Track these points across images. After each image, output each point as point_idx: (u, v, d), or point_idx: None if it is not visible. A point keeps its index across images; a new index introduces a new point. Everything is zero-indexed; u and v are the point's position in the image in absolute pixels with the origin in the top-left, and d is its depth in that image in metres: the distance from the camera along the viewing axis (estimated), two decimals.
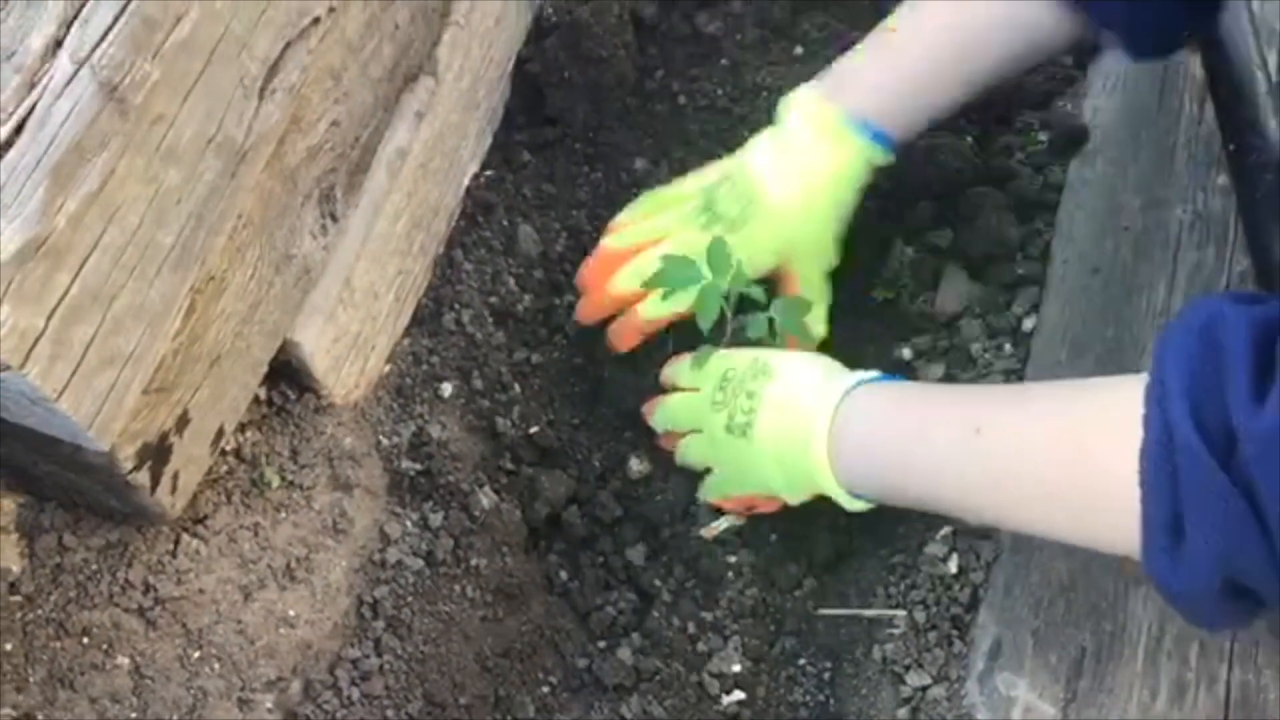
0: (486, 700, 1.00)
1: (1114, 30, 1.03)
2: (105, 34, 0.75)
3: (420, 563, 1.01)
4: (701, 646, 1.05)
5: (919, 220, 1.19)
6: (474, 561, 1.03)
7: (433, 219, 1.15)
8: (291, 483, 0.99)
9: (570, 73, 1.24)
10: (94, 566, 0.91)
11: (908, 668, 0.98)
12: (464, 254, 1.18)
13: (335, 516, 0.99)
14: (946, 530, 1.02)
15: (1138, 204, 1.13)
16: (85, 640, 0.89)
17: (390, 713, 0.95)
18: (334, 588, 0.97)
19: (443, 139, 1.14)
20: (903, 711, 0.96)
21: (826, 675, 1.03)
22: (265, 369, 0.98)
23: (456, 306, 1.14)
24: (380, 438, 1.05)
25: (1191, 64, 1.17)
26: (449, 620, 1.00)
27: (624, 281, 1.11)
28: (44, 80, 0.74)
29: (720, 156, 1.26)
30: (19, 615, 0.88)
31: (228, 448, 0.97)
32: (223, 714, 0.90)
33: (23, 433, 0.82)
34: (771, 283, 1.10)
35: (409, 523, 1.03)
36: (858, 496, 0.97)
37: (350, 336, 1.05)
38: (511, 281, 1.18)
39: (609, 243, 1.14)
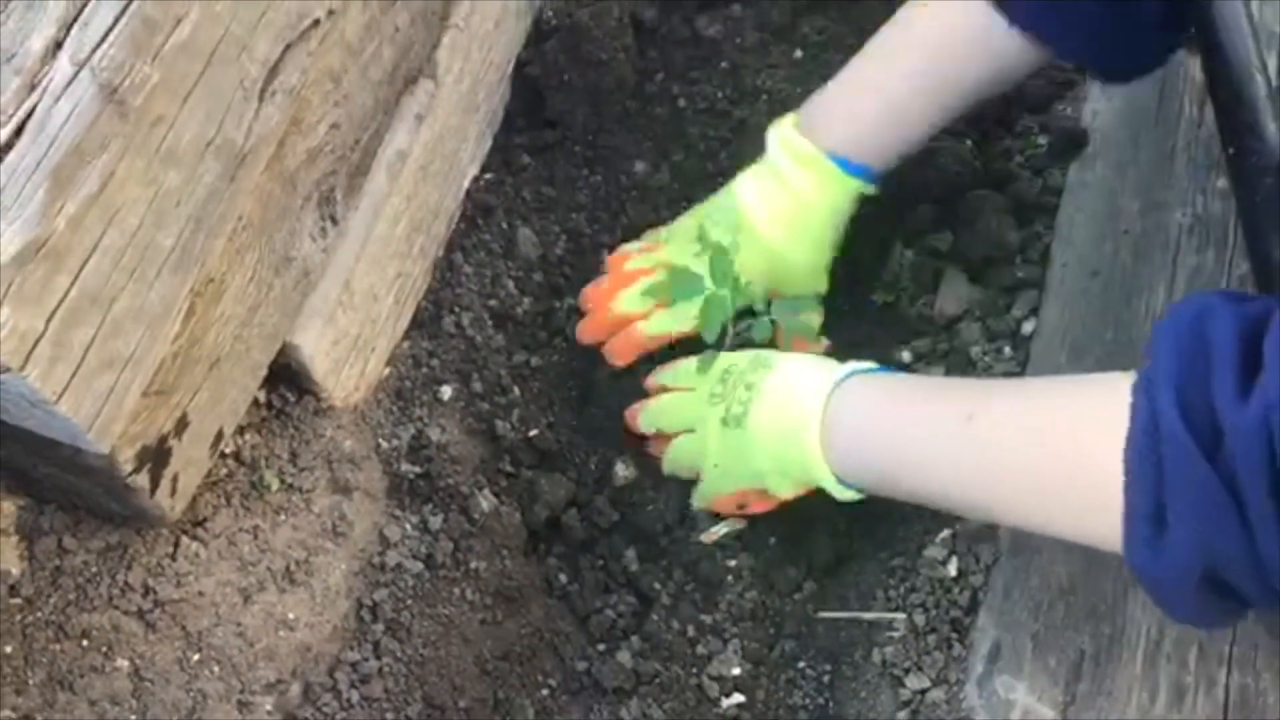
0: (486, 703, 1.00)
1: (1078, 61, 1.04)
2: (105, 36, 0.75)
3: (420, 565, 1.01)
4: (701, 649, 1.06)
5: (919, 223, 1.20)
6: (473, 564, 1.03)
7: (432, 222, 1.15)
8: (291, 485, 0.99)
9: (570, 76, 1.24)
10: (94, 569, 0.91)
11: (907, 671, 0.98)
12: (464, 257, 1.18)
13: (335, 519, 0.99)
14: (946, 533, 1.02)
15: (1137, 207, 1.13)
16: (85, 643, 0.89)
17: (389, 715, 0.95)
18: (333, 590, 0.97)
19: (442, 142, 1.14)
20: (902, 714, 0.96)
21: (826, 678, 1.03)
22: (265, 372, 0.98)
23: (456, 309, 1.14)
24: (380, 440, 1.05)
25: (1191, 67, 1.17)
26: (448, 623, 1.00)
27: (627, 303, 1.14)
28: (44, 82, 0.74)
29: (720, 159, 1.26)
30: (19, 617, 0.88)
31: (227, 450, 0.97)
32: (222, 716, 0.90)
33: (22, 435, 0.82)
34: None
35: (408, 525, 1.03)
36: (850, 486, 0.97)
37: (350, 339, 1.05)
38: (511, 284, 1.18)
39: (612, 267, 1.17)
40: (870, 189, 1.09)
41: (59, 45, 0.75)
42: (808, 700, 1.03)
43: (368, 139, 1.05)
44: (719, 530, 1.09)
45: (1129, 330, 1.07)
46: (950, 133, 1.21)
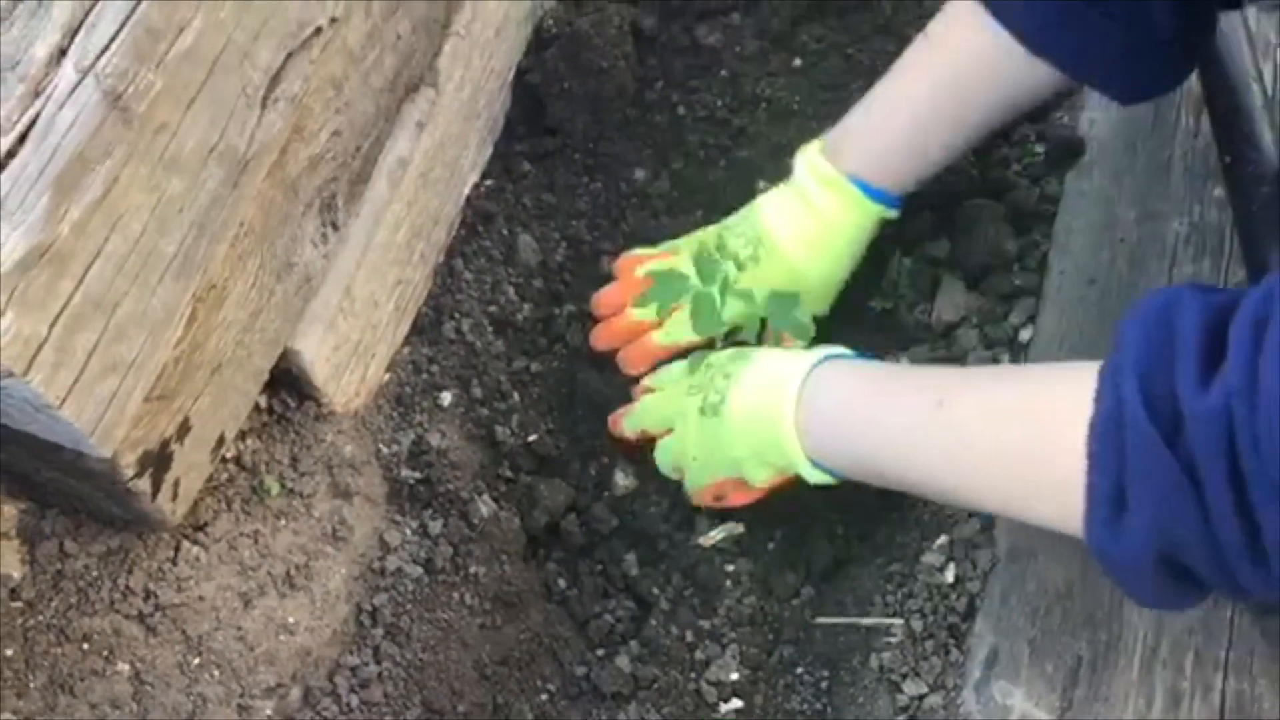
0: (485, 708, 1.00)
1: (1095, 85, 1.05)
2: (109, 43, 0.76)
3: (419, 570, 1.02)
4: (699, 654, 1.06)
5: (917, 231, 1.20)
6: (473, 569, 1.03)
7: (433, 228, 1.15)
8: (291, 490, 0.99)
9: (570, 83, 1.24)
10: (95, 573, 0.91)
11: (905, 676, 0.98)
12: (464, 263, 1.18)
13: (335, 524, 1.00)
14: (944, 539, 1.02)
15: (1134, 216, 1.13)
16: (86, 646, 0.89)
17: None
18: (333, 595, 0.98)
19: (443, 149, 1.15)
20: None
21: (824, 684, 1.03)
22: (266, 377, 0.99)
23: (456, 315, 1.15)
24: (380, 446, 1.06)
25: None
26: (448, 628, 1.01)
27: (641, 310, 1.14)
28: (48, 89, 0.74)
29: (719, 167, 1.27)
30: (20, 621, 0.89)
31: (228, 455, 0.98)
32: None
33: (25, 439, 0.83)
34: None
35: (408, 530, 1.03)
36: (824, 470, 0.97)
37: (350, 345, 1.05)
38: (511, 291, 1.19)
39: (623, 273, 1.18)
40: (892, 213, 1.11)
41: (63, 52, 0.75)
42: (806, 705, 1.03)
43: (369, 146, 1.05)
44: (717, 534, 1.09)
45: None
46: None
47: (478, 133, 1.21)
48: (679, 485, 1.10)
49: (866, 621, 1.02)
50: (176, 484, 0.91)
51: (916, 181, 1.11)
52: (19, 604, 0.89)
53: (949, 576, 1.01)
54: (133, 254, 0.79)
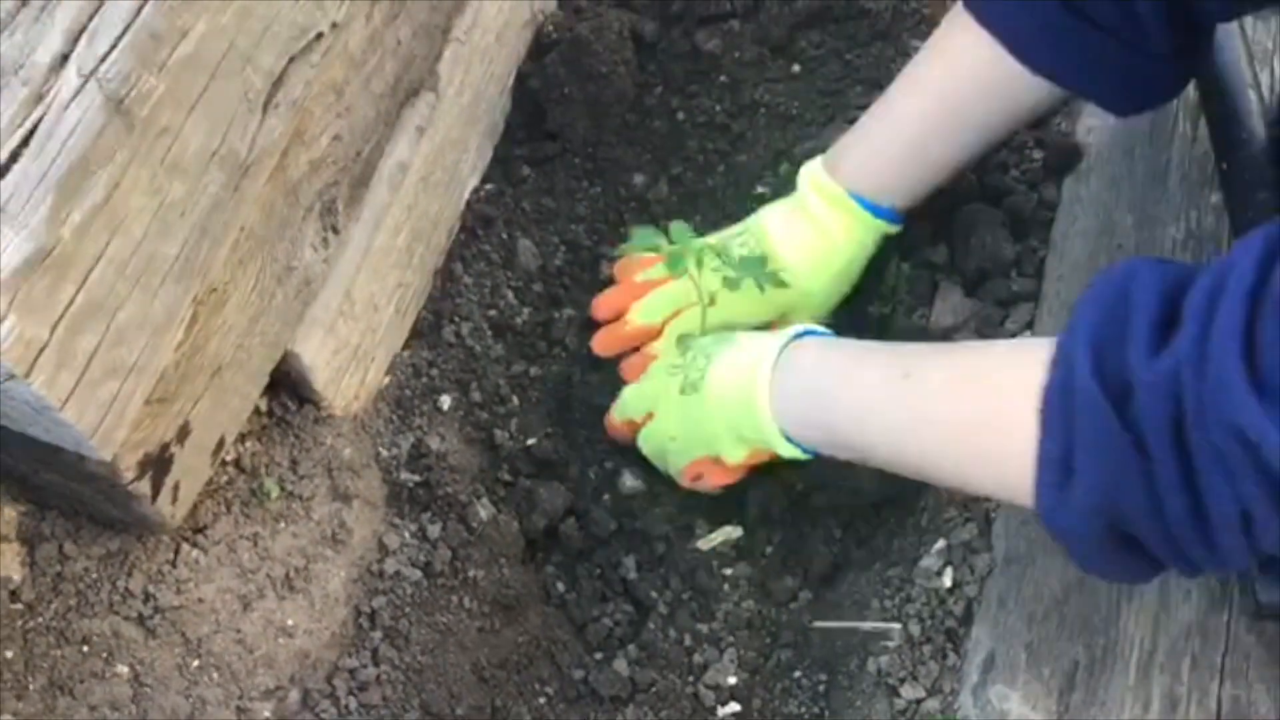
0: (483, 711, 1.01)
1: (1094, 99, 1.05)
2: (112, 48, 0.76)
3: (418, 573, 1.02)
4: (697, 658, 1.06)
5: (915, 236, 1.20)
6: (471, 573, 1.04)
7: (433, 232, 1.15)
8: (291, 493, 0.99)
9: (570, 89, 1.25)
10: (94, 575, 0.92)
11: (902, 680, 0.98)
12: (464, 267, 1.19)
13: (334, 527, 1.00)
14: (941, 544, 1.03)
15: (1131, 222, 1.13)
16: (85, 648, 0.90)
17: None
18: (332, 598, 0.98)
19: (443, 153, 1.15)
20: None
21: (821, 688, 1.03)
22: (266, 380, 0.99)
23: (456, 319, 1.15)
24: (379, 449, 1.06)
25: None
26: (446, 631, 1.01)
27: (644, 315, 1.15)
28: (51, 93, 0.75)
29: (718, 172, 1.27)
30: (19, 623, 0.89)
31: (228, 458, 0.98)
32: None
33: (25, 441, 0.83)
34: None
35: (407, 534, 1.03)
36: (797, 444, 0.98)
37: (350, 348, 1.05)
38: (510, 295, 1.19)
39: (623, 276, 1.18)
40: (894, 229, 1.11)
41: (66, 57, 0.75)
42: (803, 709, 1.03)
43: (369, 150, 1.06)
44: (715, 538, 1.10)
45: None
46: None
47: (478, 137, 1.22)
48: (680, 490, 1.10)
49: (864, 626, 1.02)
50: (176, 487, 0.91)
51: (918, 197, 1.11)
52: (18, 606, 0.89)
53: (946, 581, 1.01)
54: (134, 257, 0.80)
